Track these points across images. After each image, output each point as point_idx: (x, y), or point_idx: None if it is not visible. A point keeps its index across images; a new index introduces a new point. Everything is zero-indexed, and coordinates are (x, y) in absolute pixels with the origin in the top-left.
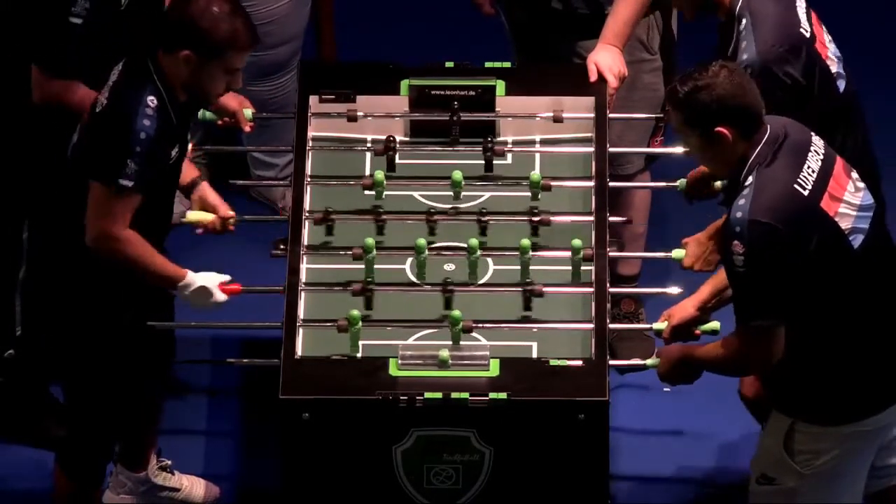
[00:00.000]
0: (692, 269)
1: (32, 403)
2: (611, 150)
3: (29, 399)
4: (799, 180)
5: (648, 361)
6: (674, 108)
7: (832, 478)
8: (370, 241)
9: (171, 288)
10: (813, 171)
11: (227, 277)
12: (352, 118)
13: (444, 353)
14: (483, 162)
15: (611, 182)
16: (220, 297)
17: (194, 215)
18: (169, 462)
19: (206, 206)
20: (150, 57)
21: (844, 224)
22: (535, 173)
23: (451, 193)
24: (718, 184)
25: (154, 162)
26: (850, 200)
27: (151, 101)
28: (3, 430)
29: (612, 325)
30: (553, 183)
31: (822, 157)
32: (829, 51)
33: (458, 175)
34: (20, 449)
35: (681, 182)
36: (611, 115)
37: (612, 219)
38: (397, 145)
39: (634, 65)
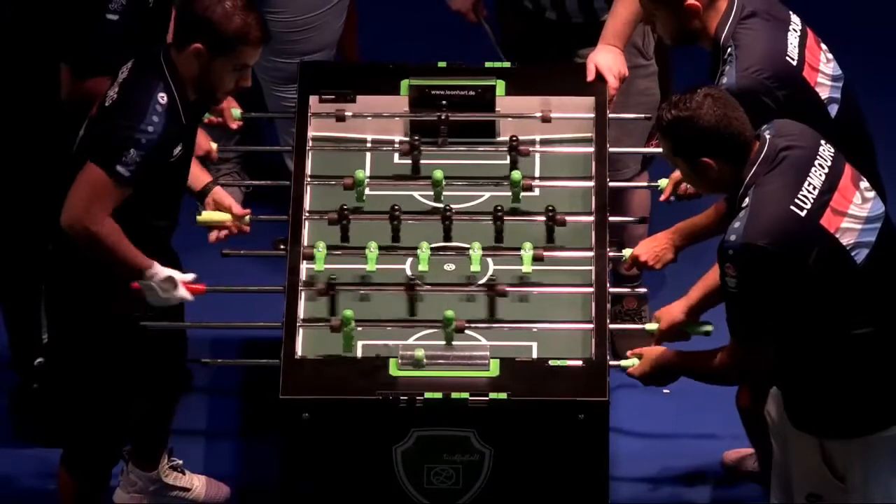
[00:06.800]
0: (638, 262)
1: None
2: (610, 150)
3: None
4: (797, 199)
5: (623, 362)
6: (661, 137)
7: (872, 488)
8: (321, 248)
9: (137, 277)
10: (814, 188)
11: (191, 276)
12: (346, 119)
13: (420, 353)
14: (482, 162)
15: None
16: (184, 292)
17: (207, 215)
18: (180, 462)
19: (220, 209)
20: (162, 54)
21: (847, 239)
22: (517, 172)
23: (450, 193)
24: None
25: (155, 159)
26: (855, 213)
27: (162, 97)
28: (31, 433)
29: (611, 325)
30: (554, 183)
31: (827, 169)
32: (822, 75)
33: (438, 174)
34: (23, 450)
35: (662, 182)
36: (610, 116)
37: (620, 219)
38: (421, 146)
39: (630, 70)
